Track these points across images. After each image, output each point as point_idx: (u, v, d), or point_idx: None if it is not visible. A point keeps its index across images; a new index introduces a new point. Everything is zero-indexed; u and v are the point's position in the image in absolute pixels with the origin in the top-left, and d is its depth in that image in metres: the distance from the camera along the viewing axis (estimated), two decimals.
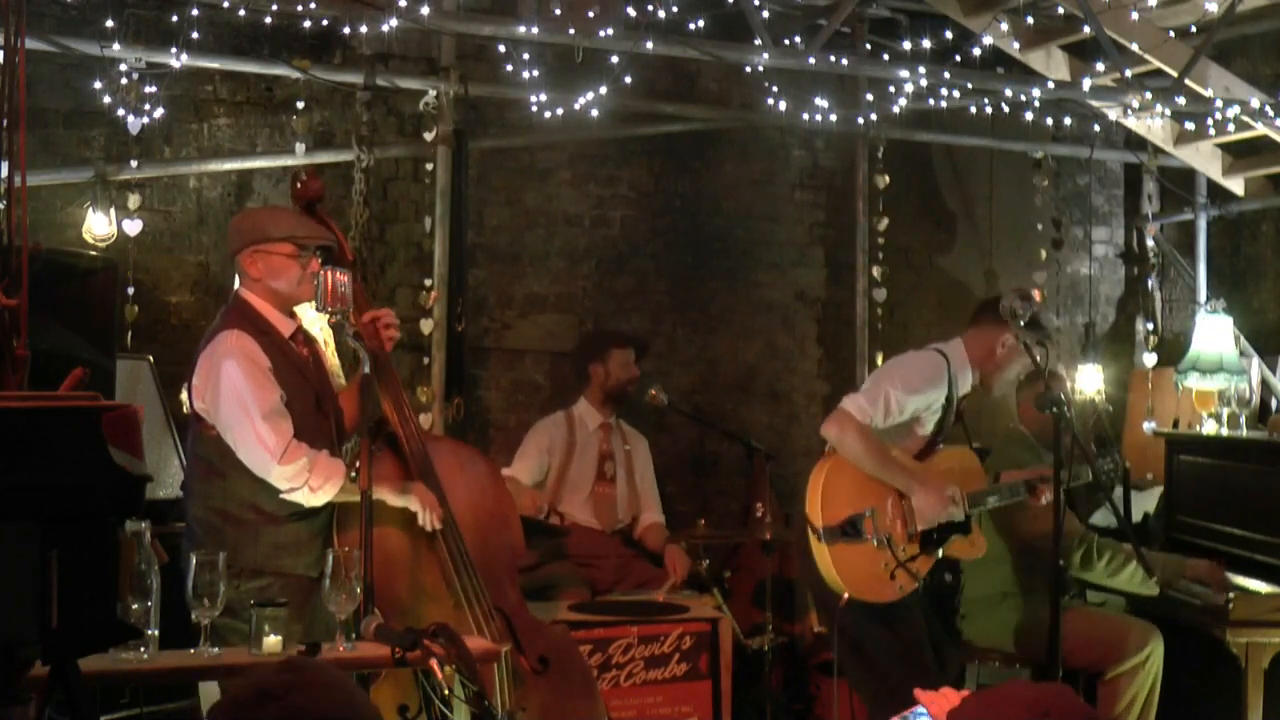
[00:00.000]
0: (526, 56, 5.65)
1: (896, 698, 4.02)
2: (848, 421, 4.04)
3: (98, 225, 5.46)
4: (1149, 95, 5.83)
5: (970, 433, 4.50)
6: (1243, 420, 5.41)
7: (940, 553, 4.17)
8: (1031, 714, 1.72)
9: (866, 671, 4.13)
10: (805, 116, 6.20)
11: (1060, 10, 5.98)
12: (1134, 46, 5.73)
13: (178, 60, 5.22)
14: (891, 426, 4.13)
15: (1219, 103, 5.83)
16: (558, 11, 5.57)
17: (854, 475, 4.06)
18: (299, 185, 3.66)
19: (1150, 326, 7.60)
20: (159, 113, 5.47)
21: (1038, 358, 4.17)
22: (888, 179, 6.55)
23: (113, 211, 5.50)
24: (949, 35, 6.25)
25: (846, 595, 3.97)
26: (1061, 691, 1.79)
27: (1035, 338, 4.05)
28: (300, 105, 5.70)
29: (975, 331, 4.31)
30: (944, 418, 4.22)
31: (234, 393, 3.33)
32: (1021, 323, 4.18)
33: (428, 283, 5.74)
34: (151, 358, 5.20)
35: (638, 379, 5.48)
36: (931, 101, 6.31)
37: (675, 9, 5.46)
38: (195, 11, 5.22)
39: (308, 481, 3.34)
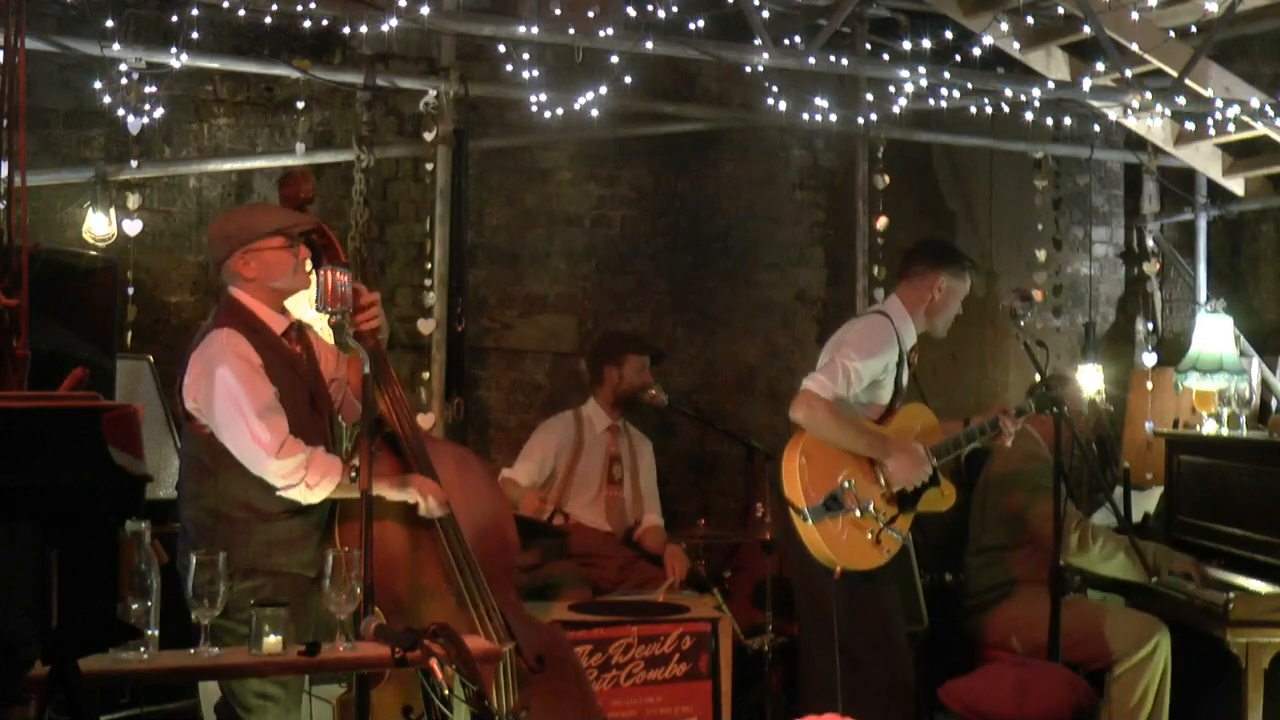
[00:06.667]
0: (526, 56, 5.65)
1: (875, 662, 4.09)
2: (814, 400, 4.11)
3: (98, 225, 5.46)
4: (1149, 95, 5.83)
5: (925, 388, 4.55)
6: (1243, 420, 5.41)
7: (917, 508, 4.26)
8: None
9: (855, 638, 4.15)
10: (805, 116, 6.20)
11: (1060, 10, 5.97)
12: (1134, 46, 5.73)
13: (178, 60, 5.22)
14: (854, 396, 4.20)
15: (1219, 103, 5.83)
16: (558, 11, 5.56)
17: (824, 451, 4.13)
18: (289, 187, 3.65)
19: (1150, 326, 7.60)
20: (159, 113, 5.47)
21: (1038, 358, 4.20)
22: (888, 179, 6.55)
23: (113, 211, 5.50)
24: (949, 35, 6.25)
25: (839, 568, 4.04)
26: None
27: (1035, 339, 4.09)
28: (300, 105, 5.70)
29: (908, 283, 4.41)
30: (899, 375, 4.31)
31: (227, 392, 3.32)
32: (1021, 323, 4.22)
33: (428, 283, 5.74)
34: (151, 358, 5.20)
35: (650, 386, 5.46)
36: (931, 101, 6.31)
37: (675, 9, 5.46)
38: (195, 11, 5.21)
39: (304, 479, 3.33)
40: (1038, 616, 4.18)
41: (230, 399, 3.32)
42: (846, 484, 4.07)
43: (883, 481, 4.18)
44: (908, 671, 4.27)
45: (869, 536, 4.11)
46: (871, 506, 4.11)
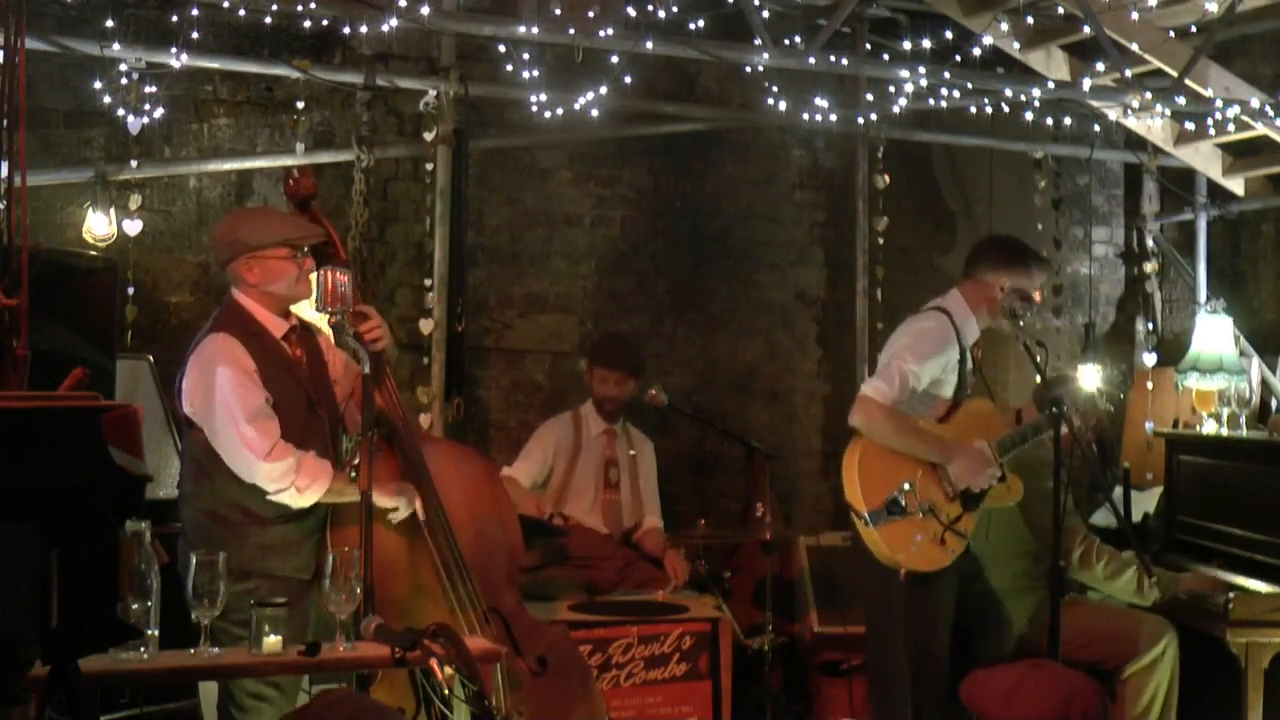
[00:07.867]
0: (526, 56, 5.65)
1: (931, 660, 4.07)
2: (872, 406, 4.07)
3: (98, 225, 5.46)
4: (1149, 95, 5.82)
5: (989, 381, 4.51)
6: (1243, 420, 5.41)
7: (983, 506, 4.19)
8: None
9: (915, 638, 4.13)
10: (805, 116, 6.19)
11: (1060, 10, 5.97)
12: (1134, 46, 5.73)
13: (178, 60, 5.22)
14: (914, 397, 4.16)
15: (1219, 103, 5.83)
16: (558, 11, 5.56)
17: (884, 453, 4.08)
18: (291, 183, 3.67)
19: (1150, 326, 7.60)
20: (159, 113, 5.46)
21: (1037, 358, 4.19)
22: (888, 179, 6.55)
23: (113, 211, 5.50)
24: (949, 35, 6.25)
25: (904, 570, 4.01)
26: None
27: (1035, 339, 4.08)
28: (300, 105, 5.70)
29: (972, 283, 4.37)
30: (961, 371, 4.27)
31: (219, 397, 3.34)
32: (1021, 323, 4.21)
33: (428, 283, 5.74)
34: (151, 358, 5.20)
35: (619, 398, 5.46)
36: (931, 101, 6.31)
37: (675, 9, 5.46)
38: (195, 11, 5.21)
39: (294, 482, 3.34)
40: (1046, 619, 4.17)
41: (222, 405, 3.34)
42: (907, 486, 4.03)
43: (946, 482, 4.13)
44: (943, 674, 4.25)
45: (933, 537, 4.07)
46: (934, 508, 4.07)
